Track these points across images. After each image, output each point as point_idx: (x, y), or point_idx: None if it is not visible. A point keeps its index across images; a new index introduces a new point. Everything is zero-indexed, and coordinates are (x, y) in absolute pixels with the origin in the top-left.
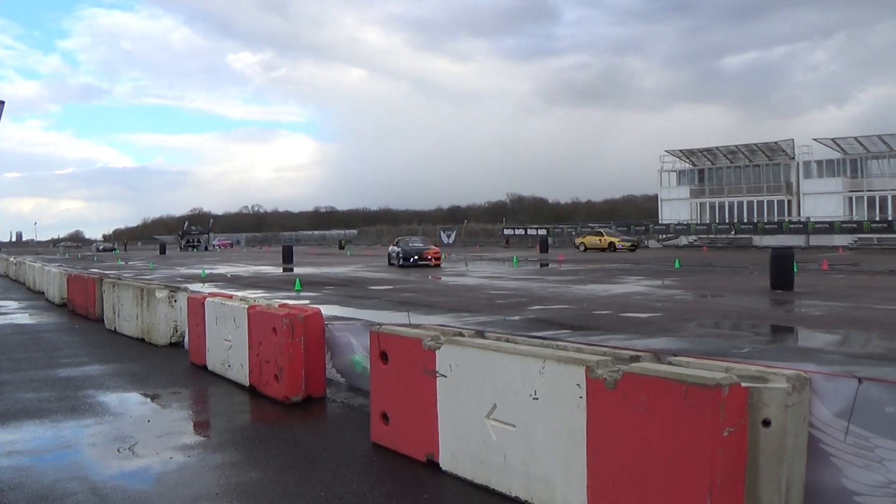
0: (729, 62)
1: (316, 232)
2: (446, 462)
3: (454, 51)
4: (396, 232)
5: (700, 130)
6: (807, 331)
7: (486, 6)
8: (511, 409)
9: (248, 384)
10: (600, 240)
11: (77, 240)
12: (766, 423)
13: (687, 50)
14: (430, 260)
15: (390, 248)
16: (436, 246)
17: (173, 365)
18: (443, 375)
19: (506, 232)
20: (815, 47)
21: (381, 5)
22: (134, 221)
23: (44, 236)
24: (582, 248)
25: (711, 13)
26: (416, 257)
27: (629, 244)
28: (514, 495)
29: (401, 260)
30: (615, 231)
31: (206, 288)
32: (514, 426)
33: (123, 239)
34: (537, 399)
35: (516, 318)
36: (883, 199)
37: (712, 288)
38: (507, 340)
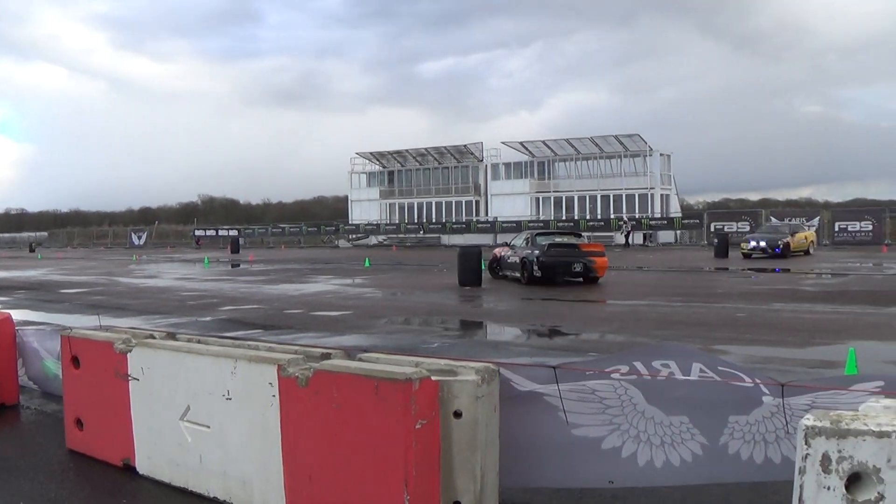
0: (427, 67)
1: (6, 234)
2: (143, 466)
3: (155, 51)
4: (87, 234)
5: (396, 133)
6: (495, 325)
7: (190, 7)
8: (205, 411)
9: None
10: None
11: None
12: (458, 414)
13: (386, 55)
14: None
15: (506, 251)
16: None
17: None
18: (135, 379)
19: (197, 233)
20: (512, 55)
21: (85, 3)
22: None
23: None
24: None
25: (413, 20)
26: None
27: None
28: (212, 496)
29: (537, 268)
30: None
31: None
32: (209, 427)
33: None
34: (231, 399)
35: (208, 318)
36: (569, 199)
37: (402, 286)
38: (199, 342)
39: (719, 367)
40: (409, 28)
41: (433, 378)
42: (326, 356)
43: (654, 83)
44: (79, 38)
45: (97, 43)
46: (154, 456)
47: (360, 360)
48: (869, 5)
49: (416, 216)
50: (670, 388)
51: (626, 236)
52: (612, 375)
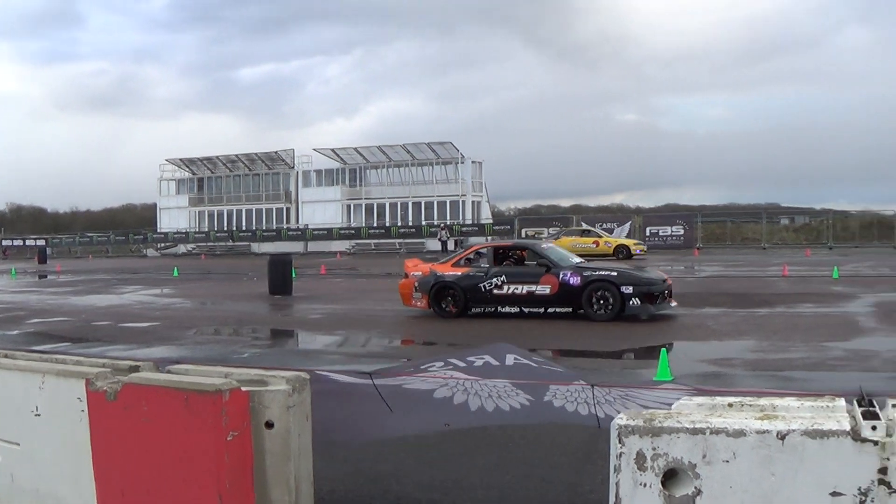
0: (245, 73)
1: None
2: None
3: None
4: None
5: (210, 140)
6: (306, 333)
7: (10, 7)
8: (15, 428)
9: None
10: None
11: None
12: (270, 424)
13: (205, 60)
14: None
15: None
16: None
17: None
18: None
19: (4, 243)
20: (332, 61)
21: None
22: None
23: None
24: None
25: (235, 25)
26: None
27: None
28: None
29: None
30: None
31: None
32: (19, 445)
33: None
34: (40, 415)
35: (15, 332)
36: (381, 206)
37: (211, 295)
38: (6, 356)
39: (534, 359)
40: (231, 33)
41: (243, 389)
42: (135, 369)
43: (473, 92)
44: None
45: None
46: None
47: (170, 372)
48: (689, 18)
49: (225, 224)
50: (489, 371)
51: (444, 242)
52: (430, 369)
